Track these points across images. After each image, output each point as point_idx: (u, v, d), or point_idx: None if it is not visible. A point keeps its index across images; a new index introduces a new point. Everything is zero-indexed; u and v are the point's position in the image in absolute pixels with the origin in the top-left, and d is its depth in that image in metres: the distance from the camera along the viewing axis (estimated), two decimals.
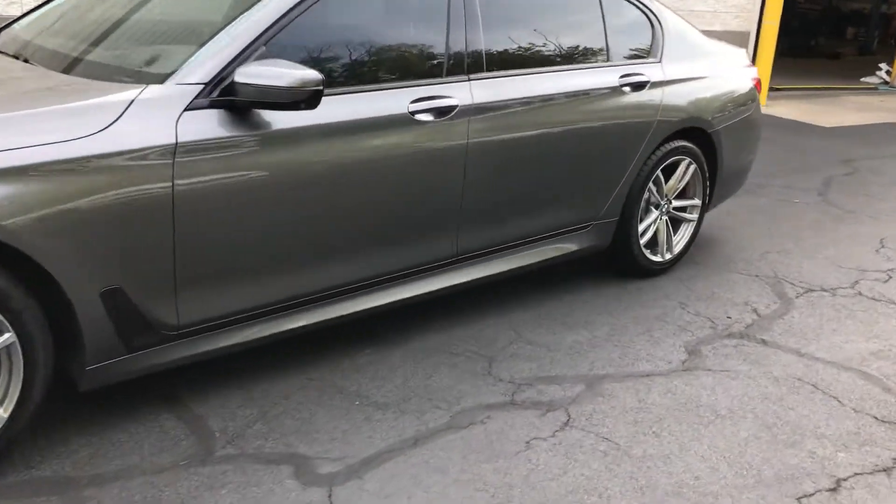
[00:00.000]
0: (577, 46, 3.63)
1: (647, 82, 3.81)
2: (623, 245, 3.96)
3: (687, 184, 4.20)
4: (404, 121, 2.90)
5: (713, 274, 4.26)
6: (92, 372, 2.41)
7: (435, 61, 3.06)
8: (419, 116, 2.94)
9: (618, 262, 4.08)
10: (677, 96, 3.94)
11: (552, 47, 3.52)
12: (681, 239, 4.26)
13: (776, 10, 9.70)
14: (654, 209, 4.07)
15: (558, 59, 3.52)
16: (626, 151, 3.75)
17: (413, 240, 3.07)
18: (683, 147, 4.03)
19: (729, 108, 4.24)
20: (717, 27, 9.71)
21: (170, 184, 2.37)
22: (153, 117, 2.35)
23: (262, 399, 2.81)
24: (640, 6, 3.95)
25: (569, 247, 3.74)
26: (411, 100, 2.92)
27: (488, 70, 3.21)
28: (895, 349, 3.53)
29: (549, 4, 3.56)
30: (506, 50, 3.31)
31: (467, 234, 3.25)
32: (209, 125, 2.44)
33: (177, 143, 2.37)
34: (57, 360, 2.38)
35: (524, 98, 3.29)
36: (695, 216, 4.27)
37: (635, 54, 3.88)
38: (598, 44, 3.71)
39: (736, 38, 9.92)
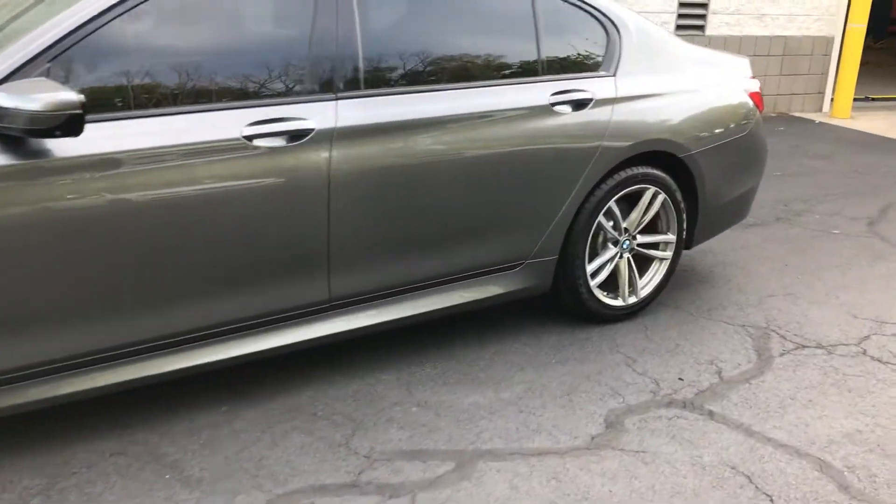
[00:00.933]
0: (495, 58, 3.11)
1: (590, 100, 3.25)
2: (568, 288, 3.42)
3: (657, 216, 3.61)
4: (238, 147, 2.49)
5: (688, 322, 3.64)
6: None
7: (290, 76, 2.64)
8: (258, 142, 2.53)
9: (565, 307, 3.53)
10: (634, 115, 3.36)
11: (460, 59, 3.02)
12: (650, 280, 3.66)
13: (863, 12, 8.72)
14: (611, 246, 3.50)
15: (466, 74, 3.02)
16: (559, 181, 3.21)
17: (264, 283, 2.66)
18: (646, 175, 3.44)
19: (712, 128, 3.61)
20: (794, 32, 8.81)
21: None
22: None
23: (61, 466, 2.46)
24: (591, 10, 3.38)
25: (492, 289, 3.23)
26: (248, 122, 2.52)
27: (368, 87, 2.76)
28: (878, 430, 2.84)
29: (461, 8, 3.08)
30: (394, 62, 2.85)
31: (343, 276, 2.81)
32: None
33: None
34: None
35: (412, 120, 2.81)
36: (668, 253, 3.66)
37: (580, 67, 3.33)
38: (525, 55, 3.18)
39: (818, 45, 8.99)
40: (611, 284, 3.54)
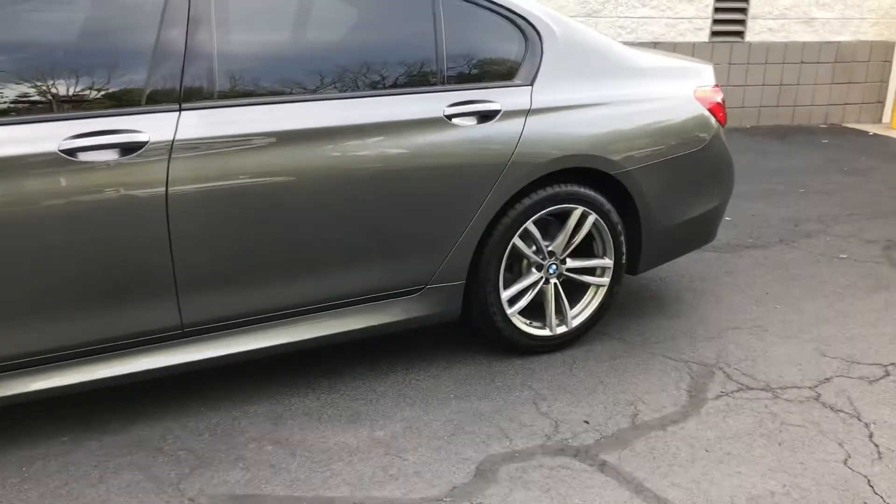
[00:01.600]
0: (381, 66, 2.85)
1: (497, 112, 2.96)
2: (481, 315, 3.12)
3: (591, 239, 3.28)
4: (58, 161, 2.33)
5: (626, 355, 3.29)
6: None
7: (125, 86, 2.46)
8: (83, 156, 2.36)
9: (483, 336, 3.24)
10: (553, 129, 3.04)
11: (338, 67, 2.77)
12: (584, 308, 3.33)
13: None
14: (535, 270, 3.19)
15: (344, 83, 2.78)
16: (459, 200, 2.93)
17: (104, 307, 2.49)
18: (570, 193, 3.12)
19: (654, 143, 3.25)
20: (847, 37, 8.15)
21: None
22: None
23: None
24: (507, 13, 3.09)
25: (389, 316, 2.96)
26: (70, 135, 2.35)
27: (222, 97, 2.56)
28: (794, 494, 2.44)
29: (344, 11, 2.85)
30: (257, 69, 2.64)
31: (195, 301, 2.61)
32: None
33: None
34: None
35: (267, 132, 2.60)
36: (605, 280, 3.31)
37: (490, 76, 3.04)
38: (421, 63, 2.91)
39: (876, 50, 8.31)
40: (532, 313, 3.23)
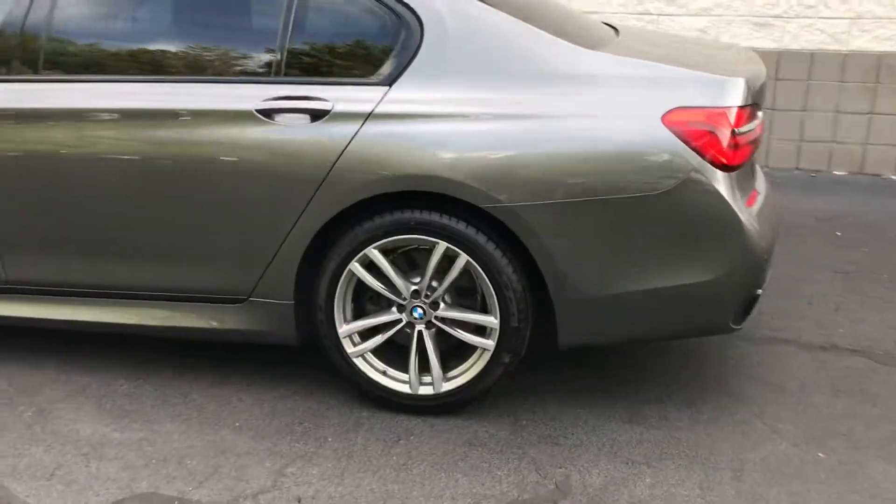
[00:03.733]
0: (212, 50, 2.58)
1: (326, 112, 2.47)
2: (323, 347, 2.68)
3: (479, 288, 2.56)
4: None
5: (499, 431, 2.51)
6: None
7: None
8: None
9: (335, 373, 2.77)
10: (395, 140, 2.42)
11: (165, 50, 2.61)
12: (462, 372, 2.62)
13: None
14: (396, 310, 2.62)
15: (169, 67, 2.59)
16: (269, 208, 2.53)
17: None
18: (424, 223, 2.47)
19: (567, 175, 2.38)
20: None
21: None
22: None
23: None
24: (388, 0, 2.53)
25: (214, 322, 2.72)
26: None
27: (40, 72, 2.64)
28: None
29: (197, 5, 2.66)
30: (85, 51, 2.65)
31: (15, 261, 2.76)
32: None
33: None
34: None
35: (74, 109, 2.59)
36: (488, 342, 2.56)
37: (341, 70, 2.54)
38: (258, 50, 2.57)
39: None
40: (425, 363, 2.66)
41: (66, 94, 2.64)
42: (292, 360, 2.98)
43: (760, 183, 2.91)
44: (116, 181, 2.61)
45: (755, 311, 2.75)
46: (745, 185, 2.57)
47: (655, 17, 5.90)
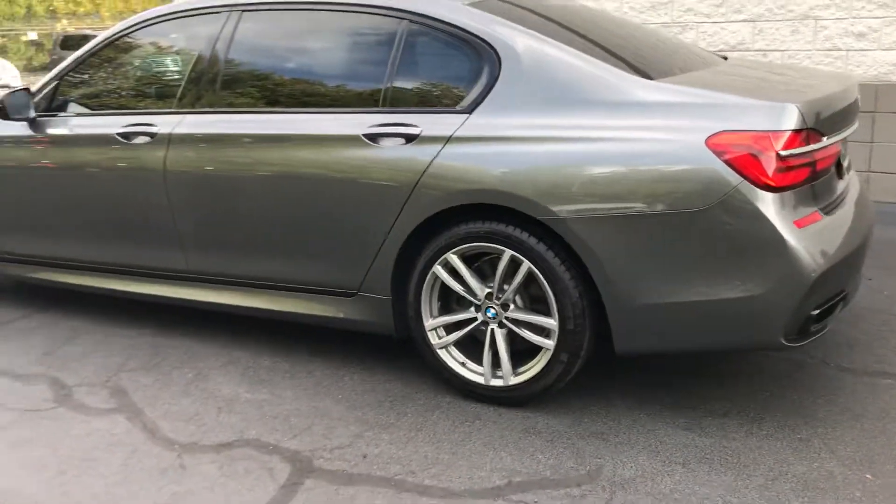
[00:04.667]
0: (335, 87, 3.15)
1: (415, 136, 2.92)
2: (414, 339, 3.12)
3: (551, 296, 2.86)
4: (114, 141, 3.52)
5: (557, 425, 2.79)
6: None
7: (153, 94, 3.54)
8: (134, 140, 3.48)
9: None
10: (468, 159, 2.82)
11: (295, 86, 3.24)
12: (528, 368, 2.93)
13: None
14: (473, 309, 2.99)
15: (300, 101, 3.20)
16: (369, 216, 3.02)
17: (137, 242, 3.61)
18: (492, 233, 2.84)
19: (613, 191, 2.64)
20: None
21: None
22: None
23: None
24: (473, 40, 2.93)
25: (331, 311, 3.26)
26: (124, 125, 3.50)
27: (208, 106, 3.38)
28: None
29: (326, 48, 3.25)
30: (240, 89, 3.35)
31: (195, 254, 3.49)
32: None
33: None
34: None
35: (228, 134, 3.29)
36: (548, 342, 2.85)
37: (433, 100, 2.98)
38: (369, 85, 3.09)
39: None
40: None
41: (237, 124, 3.33)
42: (402, 352, 3.43)
43: (845, 206, 2.93)
44: (263, 191, 3.25)
45: (823, 332, 2.80)
46: (800, 205, 2.65)
47: (844, 52, 5.74)
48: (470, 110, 2.91)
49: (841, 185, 3.01)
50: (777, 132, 2.56)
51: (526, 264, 2.82)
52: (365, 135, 3.04)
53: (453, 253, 2.94)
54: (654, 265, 2.66)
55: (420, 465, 2.64)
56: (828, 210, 2.81)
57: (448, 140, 2.89)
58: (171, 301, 3.65)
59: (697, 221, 2.59)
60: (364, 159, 3.03)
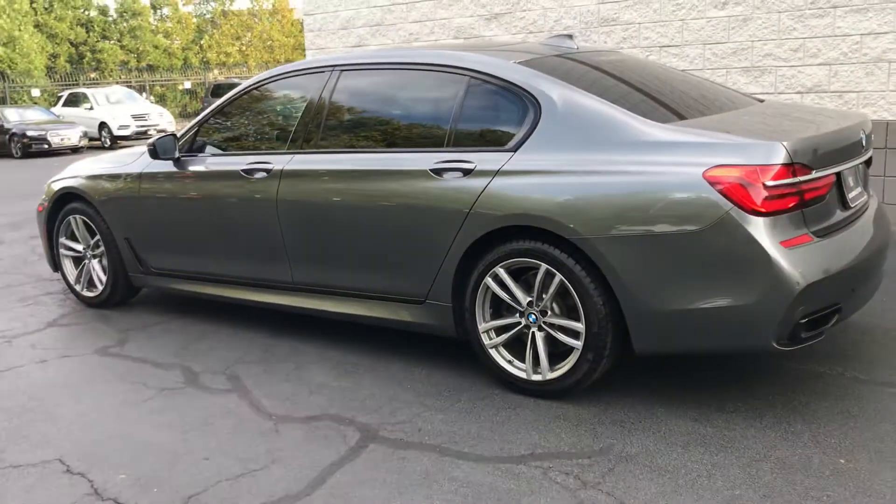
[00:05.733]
0: (408, 131, 3.85)
1: (470, 170, 3.55)
2: (471, 340, 3.72)
3: (578, 303, 3.40)
4: (239, 177, 4.33)
5: (584, 413, 3.32)
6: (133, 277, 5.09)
7: (271, 138, 4.34)
8: (255, 175, 4.28)
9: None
10: (514, 189, 3.43)
11: (380, 130, 3.94)
12: (561, 365, 3.47)
13: None
14: (518, 316, 3.57)
15: (381, 142, 3.93)
16: (434, 235, 3.67)
17: (255, 259, 4.39)
18: (531, 249, 3.42)
19: (627, 215, 3.19)
20: None
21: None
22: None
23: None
24: (520, 92, 3.55)
25: (403, 315, 3.92)
26: (247, 163, 4.31)
27: (311, 148, 4.14)
28: None
29: (405, 99, 3.97)
30: (335, 134, 4.10)
31: (299, 269, 4.23)
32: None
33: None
34: None
35: (327, 170, 4.03)
36: (576, 343, 3.39)
37: (487, 141, 3.61)
38: (436, 128, 3.75)
39: None
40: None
41: (333, 161, 4.07)
42: (462, 353, 4.03)
43: (846, 231, 3.32)
44: (353, 216, 3.96)
45: (817, 340, 3.21)
46: (788, 228, 3.09)
47: None
48: (515, 149, 3.53)
49: (843, 213, 3.41)
50: (765, 166, 3.04)
51: (558, 276, 3.39)
52: (431, 169, 3.71)
53: (501, 267, 3.54)
54: (663, 277, 3.17)
55: (462, 438, 3.23)
56: (822, 233, 3.23)
57: (496, 173, 3.52)
58: (280, 308, 4.42)
59: (696, 240, 3.09)
60: (431, 188, 3.70)
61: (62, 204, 5.34)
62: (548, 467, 2.98)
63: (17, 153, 19.66)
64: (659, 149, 3.23)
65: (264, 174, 4.27)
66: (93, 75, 35.93)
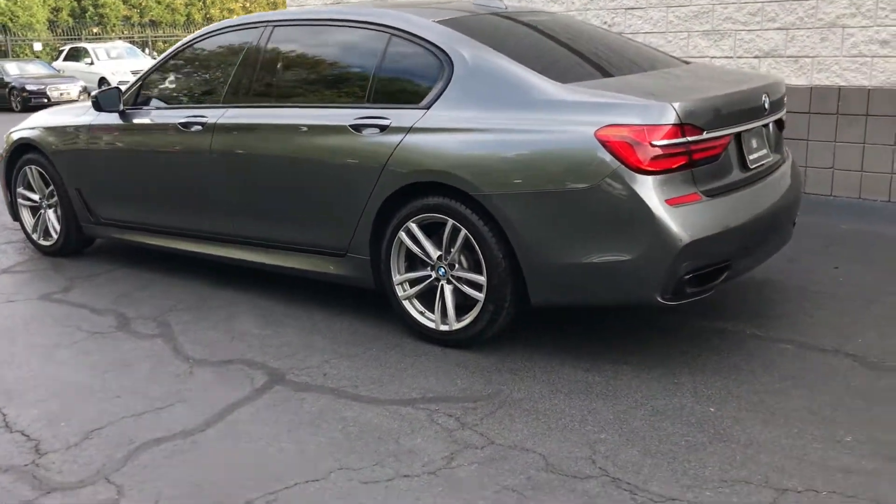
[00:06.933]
0: (335, 86, 3.98)
1: (386, 126, 3.66)
2: (387, 291, 3.86)
3: (481, 257, 3.53)
4: (178, 130, 4.45)
5: (483, 361, 3.47)
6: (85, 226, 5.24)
7: (208, 91, 4.47)
8: (192, 128, 4.40)
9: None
10: (423, 146, 3.54)
11: (309, 87, 4.05)
12: (468, 315, 3.60)
13: None
14: (429, 269, 3.70)
15: (310, 97, 4.04)
16: (352, 190, 3.79)
17: (194, 211, 4.53)
18: (439, 205, 3.54)
19: (526, 173, 3.30)
20: None
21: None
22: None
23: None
24: (435, 50, 3.65)
25: (327, 268, 4.05)
26: (184, 116, 4.43)
27: (241, 102, 4.26)
28: None
29: (331, 55, 4.08)
30: (267, 88, 4.21)
31: (234, 221, 4.37)
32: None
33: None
34: None
35: (256, 124, 4.15)
36: (478, 295, 3.52)
37: (404, 98, 3.72)
38: (359, 85, 3.87)
39: None
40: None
41: (260, 117, 4.19)
42: (382, 304, 4.18)
43: (743, 191, 3.43)
44: (278, 170, 4.09)
45: (704, 295, 3.34)
46: (675, 186, 3.20)
47: (869, 59, 6.00)
48: (427, 107, 3.63)
49: (743, 174, 3.51)
50: (653, 126, 3.14)
51: (463, 231, 3.51)
52: (351, 125, 3.82)
53: (413, 221, 3.66)
54: (557, 233, 3.29)
55: (363, 382, 3.38)
56: (714, 193, 3.33)
57: (409, 130, 3.62)
58: (219, 259, 4.56)
59: (586, 197, 3.21)
60: (350, 144, 3.81)
61: (19, 154, 5.48)
62: (434, 410, 3.13)
63: (16, 107, 19.78)
64: (559, 108, 3.33)
65: (199, 128, 4.38)
66: (95, 30, 35.91)
